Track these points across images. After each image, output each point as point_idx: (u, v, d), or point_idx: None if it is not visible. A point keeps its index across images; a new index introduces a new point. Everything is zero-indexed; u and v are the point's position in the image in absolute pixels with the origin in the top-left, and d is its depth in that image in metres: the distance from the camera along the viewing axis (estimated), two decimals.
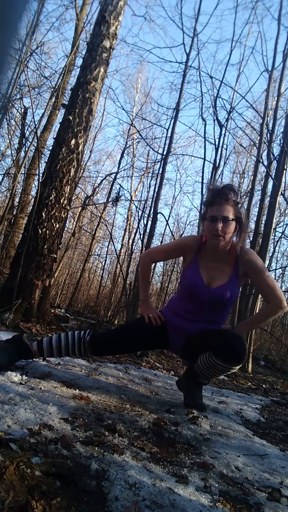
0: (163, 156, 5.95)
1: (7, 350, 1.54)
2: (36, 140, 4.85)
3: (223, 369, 1.53)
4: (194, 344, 1.65)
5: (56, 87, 5.63)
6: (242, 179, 10.72)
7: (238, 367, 1.54)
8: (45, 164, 3.30)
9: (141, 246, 7.47)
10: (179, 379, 1.88)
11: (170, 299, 1.81)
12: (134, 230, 9.96)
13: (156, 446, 1.12)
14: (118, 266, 9.82)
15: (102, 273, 12.01)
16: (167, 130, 6.71)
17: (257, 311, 4.72)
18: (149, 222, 6.84)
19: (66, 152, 3.19)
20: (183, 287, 1.67)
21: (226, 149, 7.25)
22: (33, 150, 6.25)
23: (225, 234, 1.52)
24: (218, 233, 1.51)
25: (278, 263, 10.30)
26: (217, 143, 6.09)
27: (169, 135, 6.07)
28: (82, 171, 8.47)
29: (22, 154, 6.30)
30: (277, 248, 9.58)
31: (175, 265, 10.50)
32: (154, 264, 1.86)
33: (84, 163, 9.38)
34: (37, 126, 5.35)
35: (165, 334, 1.70)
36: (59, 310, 4.78)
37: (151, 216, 5.99)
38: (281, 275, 10.52)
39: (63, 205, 3.16)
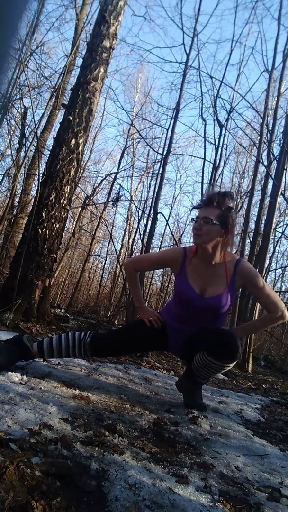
0: (163, 156, 5.95)
1: (8, 350, 1.54)
2: (36, 140, 4.85)
3: (218, 367, 1.53)
4: (192, 345, 1.65)
5: (56, 87, 5.63)
6: (242, 179, 10.73)
7: (232, 364, 1.54)
8: (45, 164, 3.30)
9: (141, 246, 7.47)
10: (179, 380, 1.88)
11: (168, 303, 1.81)
12: (134, 230, 9.96)
13: (156, 446, 1.12)
14: (118, 266, 9.82)
15: (102, 273, 12.01)
16: (167, 130, 6.71)
17: (257, 311, 4.72)
18: (149, 222, 6.84)
19: (66, 152, 3.19)
20: (176, 295, 1.68)
21: (226, 149, 7.27)
22: (33, 150, 6.25)
23: (203, 234, 1.53)
24: (194, 231, 1.56)
25: (278, 263, 10.31)
26: (217, 143, 6.09)
27: (169, 135, 6.07)
28: (82, 171, 8.47)
29: (22, 154, 6.30)
30: (277, 248, 9.58)
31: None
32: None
33: (84, 163, 9.38)
34: (37, 126, 5.35)
35: (165, 335, 1.71)
36: (59, 310, 4.79)
37: (151, 216, 5.99)
38: (281, 275, 10.53)
39: (63, 205, 3.16)
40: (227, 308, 1.61)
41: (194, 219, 1.59)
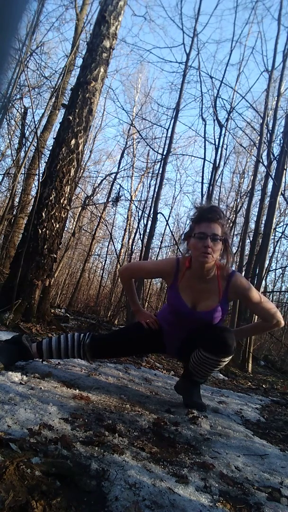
0: (163, 156, 5.95)
1: (7, 350, 1.54)
2: (36, 140, 4.85)
3: (213, 362, 1.53)
4: (188, 346, 1.66)
5: (56, 87, 5.63)
6: (242, 179, 10.72)
7: (227, 359, 1.54)
8: (45, 164, 3.30)
9: (141, 246, 7.47)
10: (177, 384, 1.88)
11: (163, 307, 1.82)
12: (134, 230, 9.97)
13: (156, 446, 1.12)
14: (118, 266, 9.81)
15: (102, 273, 12.02)
16: (167, 130, 6.72)
17: None
18: (149, 222, 6.84)
19: (66, 152, 3.19)
20: (169, 305, 1.68)
21: (226, 149, 7.27)
22: (33, 150, 6.25)
23: (213, 252, 1.47)
24: (207, 250, 1.45)
25: (278, 263, 10.31)
26: (217, 143, 6.09)
27: (169, 135, 6.08)
28: (82, 171, 8.47)
29: (22, 154, 6.29)
30: (277, 248, 9.59)
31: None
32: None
33: (84, 163, 9.38)
34: (37, 126, 5.35)
35: (161, 338, 1.73)
36: (59, 310, 4.79)
37: (151, 216, 5.99)
38: (281, 275, 10.53)
39: (63, 205, 3.16)
40: (219, 320, 1.62)
41: (198, 236, 1.49)
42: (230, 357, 1.56)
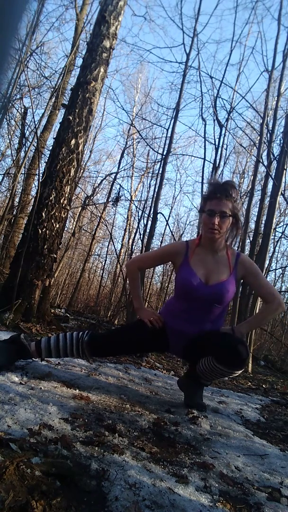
0: (163, 156, 5.95)
1: (5, 350, 1.53)
2: (36, 140, 4.85)
3: (225, 373, 1.53)
4: (194, 347, 1.64)
5: (56, 87, 5.63)
6: (242, 179, 10.72)
7: (240, 371, 1.54)
8: (45, 164, 3.30)
9: (141, 246, 7.47)
10: (180, 379, 1.88)
11: (167, 302, 1.80)
12: (134, 230, 9.96)
13: (156, 446, 1.12)
14: (118, 266, 9.82)
15: (102, 273, 12.01)
16: (167, 130, 6.71)
17: (256, 311, 4.72)
18: (149, 222, 6.84)
19: (66, 152, 3.19)
20: (178, 287, 1.66)
21: (226, 149, 7.25)
22: (33, 150, 6.25)
23: (220, 229, 1.56)
24: (214, 227, 1.55)
25: (278, 263, 10.31)
26: (217, 143, 6.09)
27: (169, 135, 6.07)
28: (82, 171, 8.47)
29: (22, 154, 6.29)
30: (277, 248, 9.57)
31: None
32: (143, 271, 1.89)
33: (84, 163, 9.38)
34: (37, 126, 5.35)
35: (165, 336, 1.70)
36: (59, 310, 4.79)
37: (151, 216, 5.99)
38: (281, 275, 10.53)
39: (63, 205, 3.16)
40: (230, 296, 1.62)
41: (207, 212, 1.57)
42: (243, 369, 1.57)
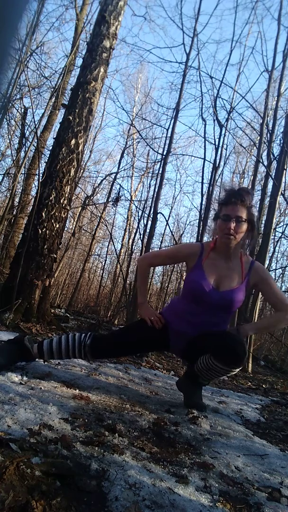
0: (163, 156, 5.95)
1: (8, 350, 1.53)
2: (36, 140, 4.85)
3: (223, 371, 1.53)
4: (194, 346, 1.64)
5: (56, 87, 5.63)
6: (242, 179, 10.73)
7: (238, 369, 1.54)
8: (45, 164, 3.30)
9: (141, 246, 7.47)
10: (179, 380, 1.88)
11: (172, 301, 1.79)
12: (134, 230, 9.97)
13: (156, 446, 1.12)
14: (118, 266, 9.82)
15: (102, 273, 12.02)
16: (167, 130, 6.71)
17: (257, 311, 4.72)
18: (149, 222, 6.84)
19: (66, 152, 3.19)
20: (188, 290, 1.64)
21: (226, 149, 7.26)
22: (33, 150, 6.25)
23: (236, 234, 1.56)
24: (230, 232, 1.55)
25: (278, 263, 10.31)
26: (217, 143, 6.09)
27: (169, 135, 6.08)
28: (82, 171, 8.47)
29: (22, 154, 6.29)
30: (277, 248, 9.58)
31: (175, 265, 10.50)
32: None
33: (84, 163, 9.38)
34: (37, 126, 5.35)
35: (166, 336, 1.69)
36: (59, 310, 4.78)
37: (151, 216, 5.99)
38: (281, 275, 10.52)
39: (63, 205, 3.16)
40: (239, 304, 1.62)
41: (223, 217, 1.57)
42: (241, 367, 1.56)
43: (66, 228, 6.37)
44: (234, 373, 1.57)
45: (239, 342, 1.47)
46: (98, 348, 1.63)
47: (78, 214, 10.16)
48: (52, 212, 3.07)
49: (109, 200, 8.31)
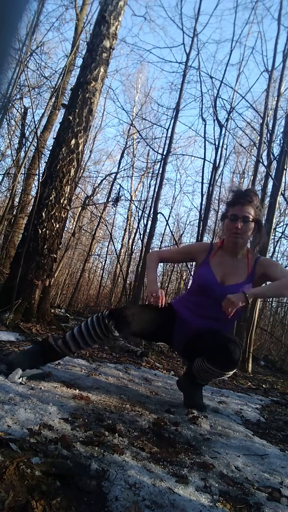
0: (163, 156, 5.95)
1: (31, 353, 1.53)
2: (36, 140, 4.85)
3: (217, 373, 1.54)
4: (193, 345, 1.64)
5: (56, 87, 5.63)
6: (242, 179, 10.72)
7: (232, 372, 1.55)
8: (45, 164, 3.30)
9: (141, 246, 7.47)
10: (179, 379, 1.88)
11: (180, 295, 1.81)
12: (134, 230, 9.97)
13: (156, 446, 1.12)
14: (118, 266, 9.81)
15: (102, 273, 12.02)
16: (167, 130, 6.72)
17: (257, 311, 4.72)
18: (149, 222, 6.85)
19: (66, 152, 3.19)
20: (195, 284, 1.69)
21: (226, 149, 7.26)
22: (33, 150, 6.25)
23: (243, 233, 1.60)
24: (237, 231, 1.59)
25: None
26: (217, 143, 6.09)
27: (169, 135, 6.08)
28: (82, 171, 8.47)
29: (22, 154, 6.29)
30: (277, 248, 9.58)
31: (175, 266, 10.50)
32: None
33: (84, 163, 9.38)
34: (37, 126, 5.35)
35: (172, 325, 1.68)
36: (59, 310, 4.78)
37: (151, 216, 5.99)
38: None
39: (63, 205, 3.16)
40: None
41: (230, 217, 1.61)
42: (234, 370, 1.56)
43: (66, 228, 6.37)
44: (229, 375, 1.58)
45: (232, 344, 1.45)
46: (116, 315, 1.54)
47: (78, 214, 10.16)
48: (52, 212, 3.07)
49: (109, 200, 8.31)
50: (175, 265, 10.25)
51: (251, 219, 1.60)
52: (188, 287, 1.78)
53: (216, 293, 1.59)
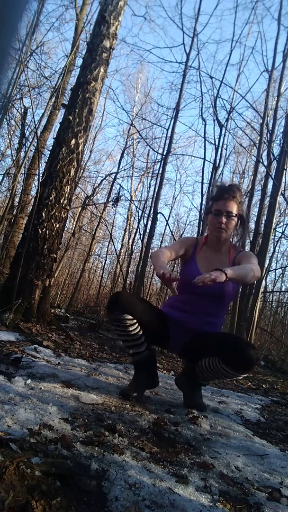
0: (163, 156, 5.96)
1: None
2: (36, 140, 4.85)
3: (231, 375, 1.54)
4: (195, 345, 1.64)
5: (56, 87, 5.63)
6: (242, 179, 10.72)
7: (246, 375, 1.57)
8: (45, 164, 3.30)
9: (141, 246, 7.47)
10: (178, 378, 1.87)
11: (168, 299, 1.83)
12: (134, 230, 9.97)
13: (156, 446, 1.12)
14: (118, 266, 9.81)
15: (102, 273, 12.01)
16: (167, 130, 6.72)
17: (257, 311, 4.73)
18: (149, 222, 6.85)
19: (66, 152, 3.19)
20: (182, 281, 1.67)
21: (226, 149, 7.26)
22: (33, 150, 6.25)
23: (227, 228, 1.63)
24: (221, 226, 1.63)
25: (278, 263, 10.30)
26: (217, 143, 6.10)
27: (169, 135, 6.08)
28: (82, 171, 8.47)
29: (22, 154, 6.29)
30: (277, 248, 9.57)
31: (175, 266, 10.50)
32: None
33: (84, 163, 9.37)
34: (37, 126, 5.35)
35: (167, 328, 1.69)
36: (59, 310, 4.78)
37: (151, 216, 5.99)
38: (281, 275, 10.52)
39: (63, 205, 3.16)
40: (229, 294, 1.64)
41: (214, 212, 1.64)
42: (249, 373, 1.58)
43: (66, 228, 6.37)
44: (241, 377, 1.59)
45: (251, 348, 1.48)
46: (115, 301, 1.53)
47: (78, 214, 10.16)
48: (52, 212, 3.07)
49: (109, 200, 8.31)
50: (175, 265, 10.25)
51: (234, 214, 1.63)
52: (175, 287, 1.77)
53: (202, 288, 1.56)
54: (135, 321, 1.56)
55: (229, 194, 1.63)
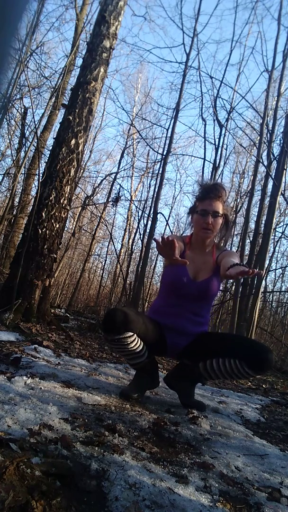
0: (163, 156, 5.96)
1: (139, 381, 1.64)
2: (36, 140, 4.85)
3: (248, 376, 1.55)
4: (198, 346, 1.63)
5: (56, 87, 5.63)
6: (242, 179, 10.71)
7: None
8: (45, 164, 3.30)
9: (141, 246, 7.47)
10: (168, 377, 1.80)
11: (152, 306, 1.79)
12: (134, 230, 9.97)
13: (156, 446, 1.12)
14: (118, 266, 9.81)
15: (102, 273, 12.00)
16: (167, 130, 6.72)
17: (257, 311, 4.72)
18: (149, 222, 6.85)
19: (66, 152, 3.19)
20: (167, 283, 1.68)
21: (226, 149, 7.26)
22: (33, 150, 6.25)
23: (213, 228, 1.62)
24: (208, 226, 1.61)
25: (278, 263, 10.30)
26: (217, 143, 6.10)
27: (169, 135, 6.08)
28: (82, 171, 8.47)
29: (22, 154, 6.29)
30: (277, 248, 9.57)
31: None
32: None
33: (84, 163, 9.38)
34: (37, 126, 5.35)
35: (163, 336, 1.68)
36: (59, 310, 4.78)
37: (151, 216, 5.99)
38: (281, 275, 10.52)
39: (63, 205, 3.16)
40: (214, 292, 1.66)
41: (200, 212, 1.62)
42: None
43: (66, 228, 6.37)
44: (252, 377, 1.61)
45: (271, 352, 1.50)
46: (110, 319, 1.49)
47: (78, 214, 10.16)
48: (52, 212, 3.07)
49: (109, 200, 8.31)
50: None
51: (220, 214, 1.62)
52: (158, 291, 1.76)
53: (189, 290, 1.62)
54: (135, 336, 1.52)
55: (214, 194, 1.61)
